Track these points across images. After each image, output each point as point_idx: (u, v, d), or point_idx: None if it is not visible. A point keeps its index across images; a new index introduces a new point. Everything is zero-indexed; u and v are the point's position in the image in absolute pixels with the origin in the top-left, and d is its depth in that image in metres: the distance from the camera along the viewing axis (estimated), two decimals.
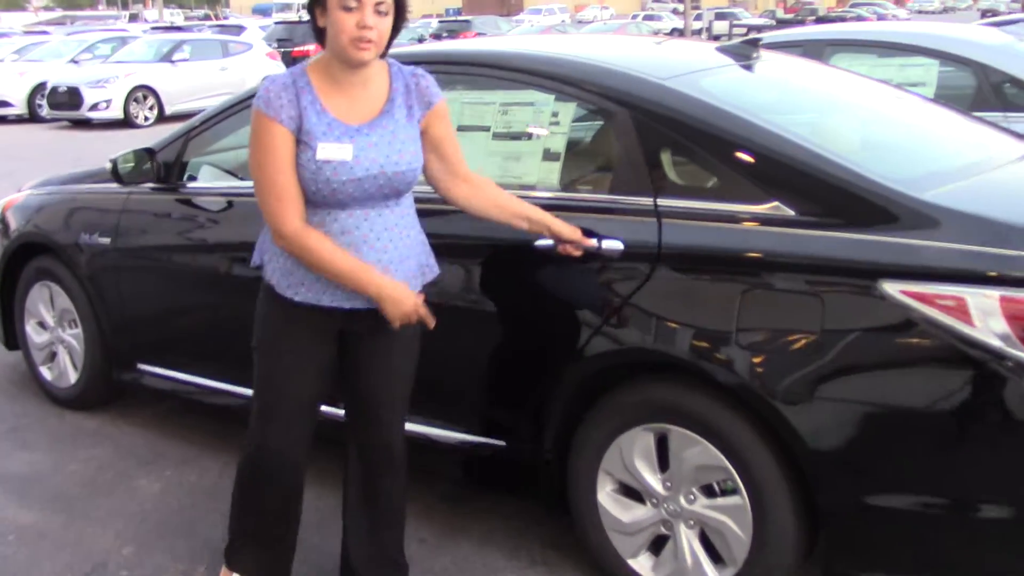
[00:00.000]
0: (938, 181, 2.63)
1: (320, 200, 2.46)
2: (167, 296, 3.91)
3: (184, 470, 3.86)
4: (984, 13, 47.16)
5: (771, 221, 2.57)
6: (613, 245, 2.74)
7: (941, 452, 2.40)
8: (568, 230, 2.73)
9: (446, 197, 2.72)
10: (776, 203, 2.58)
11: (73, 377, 4.40)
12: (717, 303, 2.59)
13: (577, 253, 2.75)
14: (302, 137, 2.43)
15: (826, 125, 3.04)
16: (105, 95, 17.37)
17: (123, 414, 4.42)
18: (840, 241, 2.47)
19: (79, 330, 4.29)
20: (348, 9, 2.36)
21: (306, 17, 2.55)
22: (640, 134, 2.81)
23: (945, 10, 67.06)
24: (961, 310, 2.30)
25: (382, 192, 2.50)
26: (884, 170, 2.59)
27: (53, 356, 4.50)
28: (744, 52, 3.40)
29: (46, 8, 76.83)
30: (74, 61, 20.52)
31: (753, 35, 4.89)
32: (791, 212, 2.56)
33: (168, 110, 17.83)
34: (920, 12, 62.62)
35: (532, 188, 2.99)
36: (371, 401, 2.72)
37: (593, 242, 2.74)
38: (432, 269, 2.70)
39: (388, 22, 2.42)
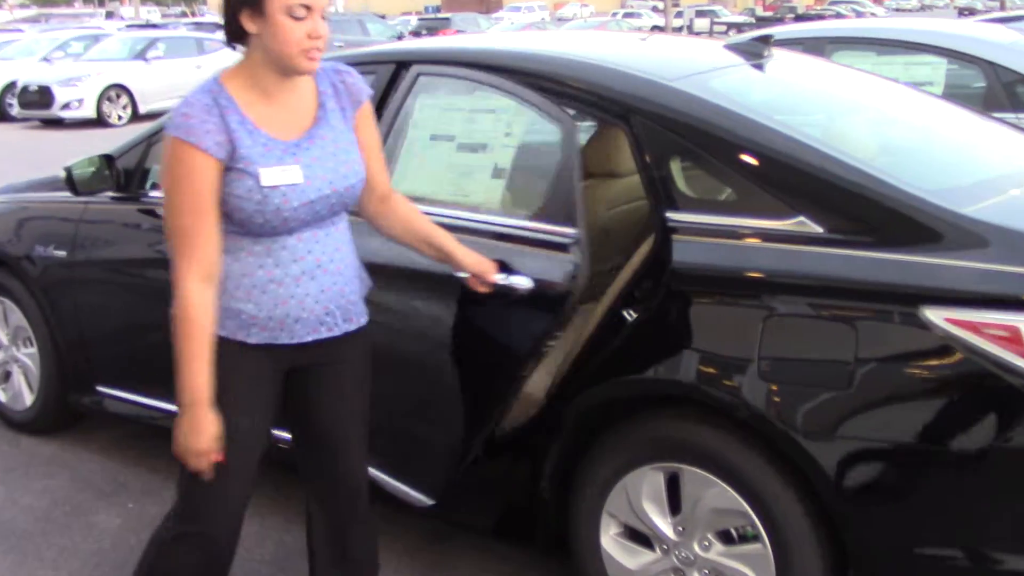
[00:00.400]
0: (978, 194, 2.38)
1: (268, 230, 2.16)
2: (128, 313, 3.61)
3: (146, 502, 3.56)
4: (961, 11, 47.22)
5: (796, 239, 2.31)
6: (520, 282, 2.47)
7: (985, 497, 2.14)
8: (472, 261, 2.43)
9: (358, 210, 2.41)
10: (801, 218, 2.32)
11: (29, 399, 4.09)
12: (736, 329, 2.33)
13: (483, 289, 2.46)
14: (237, 164, 2.11)
15: (850, 131, 2.78)
16: (77, 94, 16.99)
17: (82, 438, 4.12)
18: (875, 262, 2.20)
19: (34, 349, 3.98)
20: (297, 18, 2.07)
21: None
22: (646, 142, 2.54)
23: (923, 8, 67.22)
24: (1015, 340, 2.04)
25: (332, 211, 2.23)
26: (919, 182, 2.33)
27: (7, 376, 4.19)
28: (755, 50, 3.12)
29: (22, 6, 75.92)
30: (46, 59, 20.08)
31: (734, 33, 4.62)
32: (819, 229, 2.30)
33: (142, 109, 17.46)
34: (898, 10, 62.72)
35: (517, 207, 2.72)
36: (330, 442, 2.40)
37: (498, 277, 2.45)
38: (366, 280, 2.42)
39: (327, 25, 2.16)
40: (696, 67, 2.84)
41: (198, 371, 2.11)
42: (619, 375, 2.53)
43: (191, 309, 2.10)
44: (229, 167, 2.10)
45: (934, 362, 2.14)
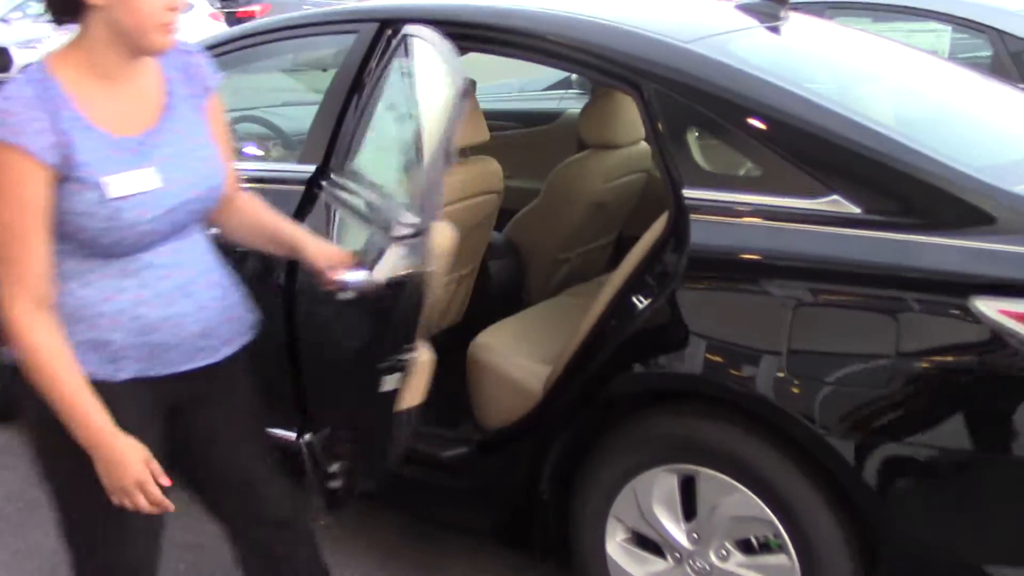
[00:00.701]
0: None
1: (120, 250, 1.79)
2: None
3: None
4: None
5: (830, 220, 2.08)
6: (354, 277, 2.04)
7: None
8: (321, 254, 2.03)
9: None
10: (835, 197, 2.09)
11: None
12: (762, 319, 2.11)
13: (330, 287, 2.05)
14: (74, 173, 1.72)
15: (880, 101, 2.56)
16: (36, 57, 16.49)
17: None
18: (918, 246, 1.99)
19: None
20: None
21: None
22: (660, 111, 2.30)
23: None
24: None
25: (194, 217, 1.88)
26: (962, 157, 2.12)
27: None
28: (770, 12, 2.88)
29: None
30: (3, 20, 19.47)
31: None
32: (855, 209, 2.07)
33: None
34: None
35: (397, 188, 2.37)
36: (245, 479, 2.04)
37: (339, 277, 2.03)
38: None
39: None
40: (712, 28, 2.59)
41: (82, 405, 1.74)
42: (628, 368, 2.31)
43: (37, 347, 1.72)
44: (65, 176, 1.72)
45: (984, 357, 1.93)
